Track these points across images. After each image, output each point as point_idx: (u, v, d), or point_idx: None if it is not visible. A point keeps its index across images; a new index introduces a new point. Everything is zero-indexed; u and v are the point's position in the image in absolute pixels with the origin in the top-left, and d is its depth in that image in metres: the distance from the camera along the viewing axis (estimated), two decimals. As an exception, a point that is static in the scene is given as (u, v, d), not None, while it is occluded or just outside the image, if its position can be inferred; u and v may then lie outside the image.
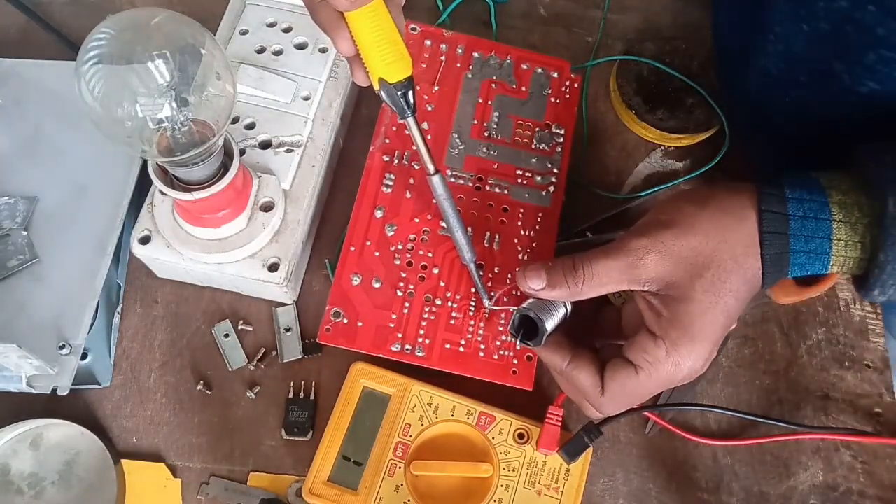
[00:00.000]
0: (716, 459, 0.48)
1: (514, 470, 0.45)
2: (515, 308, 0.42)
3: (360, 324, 0.46)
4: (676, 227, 0.38)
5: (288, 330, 0.50)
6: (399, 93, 0.39)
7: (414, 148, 0.42)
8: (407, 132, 0.42)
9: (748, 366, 0.51)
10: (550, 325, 0.41)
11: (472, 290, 0.47)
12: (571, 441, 0.44)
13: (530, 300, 0.42)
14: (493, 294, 0.46)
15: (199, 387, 0.49)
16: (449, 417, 0.46)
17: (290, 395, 0.49)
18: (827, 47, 0.42)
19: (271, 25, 0.54)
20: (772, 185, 0.38)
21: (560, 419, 0.45)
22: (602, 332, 0.44)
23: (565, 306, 0.42)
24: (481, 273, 0.47)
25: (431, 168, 0.42)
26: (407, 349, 0.46)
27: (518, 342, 0.41)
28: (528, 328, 0.41)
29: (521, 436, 0.46)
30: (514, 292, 0.47)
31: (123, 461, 0.47)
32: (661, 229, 0.38)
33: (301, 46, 0.53)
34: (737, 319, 0.39)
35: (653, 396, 0.47)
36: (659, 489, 0.48)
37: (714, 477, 0.48)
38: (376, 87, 0.39)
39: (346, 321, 0.46)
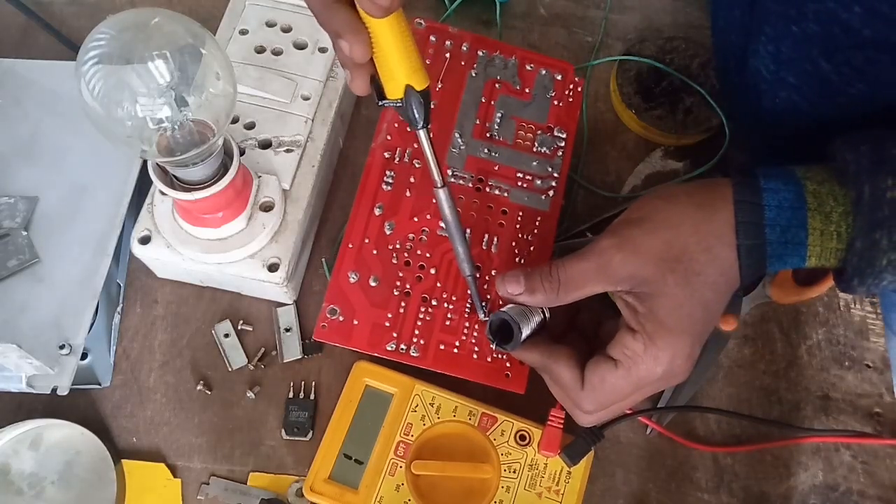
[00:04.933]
0: (716, 459, 0.48)
1: (515, 471, 0.45)
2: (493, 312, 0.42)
3: (355, 322, 0.46)
4: (646, 224, 0.38)
5: (288, 330, 0.50)
6: (420, 102, 0.38)
7: (424, 159, 0.42)
8: (416, 145, 0.41)
9: (748, 366, 0.51)
10: (526, 330, 0.41)
11: (468, 292, 0.47)
12: (573, 444, 0.44)
13: (509, 306, 0.42)
14: (486, 304, 0.47)
15: (199, 387, 0.49)
16: (451, 418, 0.46)
17: (290, 395, 0.49)
18: (815, 48, 0.42)
19: (271, 25, 0.53)
20: (747, 175, 0.38)
21: (562, 421, 0.45)
22: (602, 347, 0.44)
23: (543, 313, 0.42)
24: (478, 281, 0.47)
25: (439, 181, 0.42)
26: (402, 349, 0.46)
27: (494, 346, 0.42)
28: (504, 332, 0.41)
29: (522, 437, 0.46)
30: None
31: (123, 461, 0.47)
32: (630, 227, 0.39)
33: (301, 46, 0.53)
34: (720, 314, 0.39)
35: (650, 398, 0.47)
36: (659, 489, 0.48)
37: (714, 477, 0.48)
38: (393, 95, 0.38)
39: (341, 319, 0.46)
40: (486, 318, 0.46)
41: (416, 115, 0.39)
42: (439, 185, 0.42)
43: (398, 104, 0.38)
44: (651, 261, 0.37)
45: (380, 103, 0.39)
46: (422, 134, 0.40)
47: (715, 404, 0.50)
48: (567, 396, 0.41)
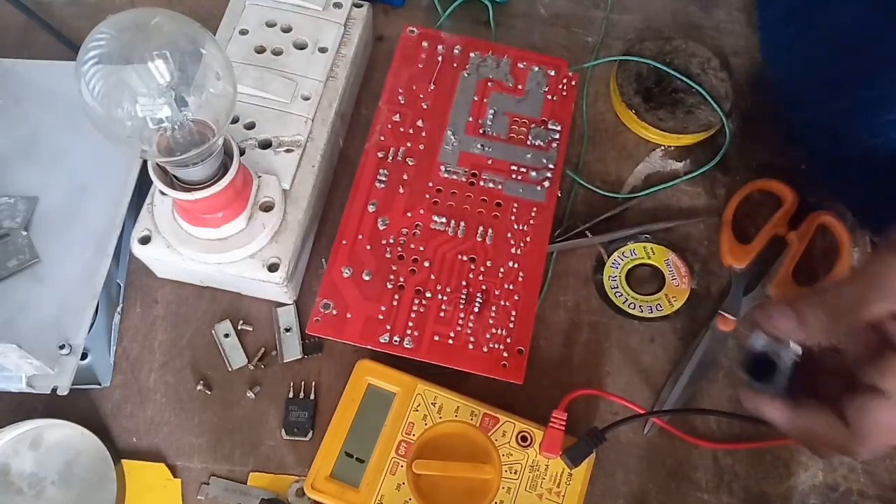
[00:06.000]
0: (716, 459, 0.48)
1: (516, 472, 0.45)
2: (750, 342, 0.36)
3: (348, 315, 0.47)
4: None
5: (288, 330, 0.50)
6: None
7: None
8: (409, 144, 0.40)
9: (748, 366, 0.51)
10: (787, 370, 0.35)
11: (463, 282, 0.47)
12: (574, 446, 0.44)
13: (756, 334, 0.36)
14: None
15: (199, 387, 0.48)
16: (453, 418, 0.46)
17: (290, 395, 0.48)
18: None
19: (271, 25, 0.54)
20: None
21: (564, 423, 0.45)
22: (824, 377, 0.37)
23: (797, 349, 0.36)
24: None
25: None
26: (395, 341, 0.46)
27: (752, 385, 0.36)
28: (758, 368, 0.35)
29: (524, 438, 0.45)
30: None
31: (123, 461, 0.47)
32: None
33: (301, 46, 0.53)
34: None
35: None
36: (659, 489, 0.47)
37: (714, 477, 0.48)
38: None
39: (335, 313, 0.47)
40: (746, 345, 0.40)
41: None
42: None
43: None
44: None
45: None
46: None
47: (715, 405, 0.50)
48: (833, 448, 0.35)
